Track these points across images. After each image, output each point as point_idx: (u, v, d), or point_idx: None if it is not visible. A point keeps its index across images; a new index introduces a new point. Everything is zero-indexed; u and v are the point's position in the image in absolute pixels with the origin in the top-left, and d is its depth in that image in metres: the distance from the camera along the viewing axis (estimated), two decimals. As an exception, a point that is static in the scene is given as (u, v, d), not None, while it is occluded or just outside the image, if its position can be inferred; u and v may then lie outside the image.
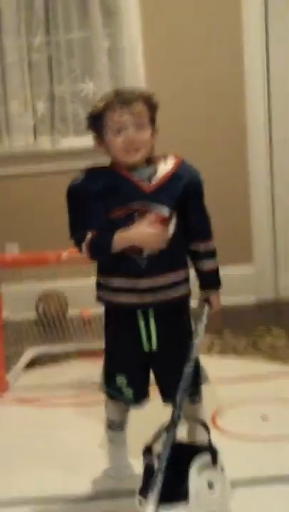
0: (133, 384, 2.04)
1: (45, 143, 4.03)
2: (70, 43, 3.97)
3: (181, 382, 1.89)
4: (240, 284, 3.95)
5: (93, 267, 2.07)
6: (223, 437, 2.35)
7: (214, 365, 3.04)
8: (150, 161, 2.00)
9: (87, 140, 4.00)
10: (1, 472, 2.30)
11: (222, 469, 1.87)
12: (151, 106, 1.97)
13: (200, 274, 2.07)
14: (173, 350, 1.99)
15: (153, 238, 1.92)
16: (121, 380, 2.04)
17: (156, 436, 1.89)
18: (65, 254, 2.94)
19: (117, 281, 1.97)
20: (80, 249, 1.95)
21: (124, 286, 1.96)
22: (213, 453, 1.86)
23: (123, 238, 1.91)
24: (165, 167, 1.98)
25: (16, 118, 4.00)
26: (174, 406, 1.86)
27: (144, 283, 1.95)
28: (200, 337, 1.98)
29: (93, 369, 3.14)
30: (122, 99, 1.93)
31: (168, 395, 2.00)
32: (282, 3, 3.88)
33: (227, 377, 2.85)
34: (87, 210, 1.94)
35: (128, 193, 1.94)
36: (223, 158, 3.98)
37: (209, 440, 1.91)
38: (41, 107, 4.00)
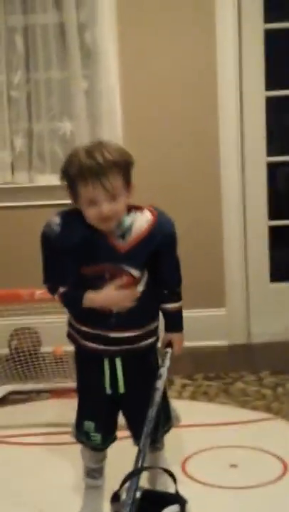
0: (101, 429, 2.06)
1: (22, 179, 4.06)
2: (49, 82, 4.00)
3: (145, 427, 1.90)
4: (212, 327, 3.99)
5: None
6: (192, 484, 2.37)
7: (185, 410, 3.05)
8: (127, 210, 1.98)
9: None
10: None
11: (189, 519, 1.89)
12: (126, 171, 1.91)
13: (165, 316, 2.12)
14: (140, 393, 2.02)
15: (122, 300, 1.96)
16: (88, 425, 2.06)
17: (124, 483, 1.91)
18: (38, 293, 2.96)
19: (86, 329, 2.01)
20: (53, 296, 2.00)
21: (92, 334, 2.00)
22: (182, 503, 1.88)
23: (93, 300, 1.95)
24: (140, 224, 1.97)
25: (-7, 154, 4.03)
26: (138, 451, 1.88)
27: (112, 335, 1.99)
28: (163, 380, 2.01)
29: (65, 408, 3.15)
30: (94, 171, 1.84)
31: (137, 437, 2.02)
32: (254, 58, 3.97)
33: (198, 422, 2.87)
34: (60, 264, 1.95)
35: (102, 253, 1.94)
36: (198, 203, 4.03)
37: (176, 490, 1.93)
38: (19, 143, 4.04)
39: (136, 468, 1.86)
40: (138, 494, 1.87)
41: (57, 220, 1.93)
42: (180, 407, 3.04)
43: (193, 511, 1.91)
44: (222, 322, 4.05)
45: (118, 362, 2.01)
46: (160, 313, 2.13)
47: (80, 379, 2.10)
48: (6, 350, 3.68)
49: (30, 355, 3.55)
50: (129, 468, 1.84)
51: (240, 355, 3.93)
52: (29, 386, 3.42)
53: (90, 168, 1.85)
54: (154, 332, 2.08)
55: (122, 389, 2.02)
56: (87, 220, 1.92)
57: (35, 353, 3.59)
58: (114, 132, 3.93)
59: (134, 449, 1.97)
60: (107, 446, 2.10)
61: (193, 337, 3.93)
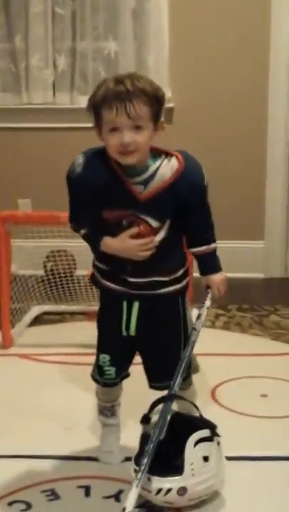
0: (116, 363, 2.06)
1: (63, 99, 3.99)
2: (95, 0, 3.90)
3: (178, 366, 1.91)
4: (249, 260, 3.96)
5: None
6: (221, 411, 2.39)
7: (217, 339, 3.09)
8: (155, 151, 1.87)
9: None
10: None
11: (218, 443, 1.90)
12: (155, 102, 1.79)
13: (198, 259, 2.03)
14: (154, 338, 2.00)
15: (138, 250, 1.89)
16: (104, 358, 2.06)
17: (154, 406, 1.93)
18: (77, 216, 2.93)
19: (106, 268, 1.98)
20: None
21: (112, 275, 1.97)
22: (212, 428, 1.89)
23: (108, 246, 1.91)
24: (165, 172, 1.85)
25: (35, 72, 3.96)
26: (170, 380, 1.90)
27: (130, 279, 1.94)
28: (201, 320, 1.99)
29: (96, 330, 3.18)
30: (119, 95, 1.74)
31: (151, 379, 2.05)
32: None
33: (229, 351, 2.86)
34: (82, 205, 1.92)
35: (120, 199, 1.86)
36: (242, 134, 3.94)
37: (201, 415, 1.95)
38: (62, 62, 3.96)
39: (167, 394, 1.89)
40: (168, 417, 1.90)
41: (80, 160, 1.86)
42: (213, 336, 3.08)
43: (223, 437, 1.93)
44: (259, 255, 4.01)
45: (135, 305, 1.97)
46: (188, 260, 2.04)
47: (100, 315, 2.08)
48: (41, 272, 3.69)
49: (65, 277, 3.56)
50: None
51: (275, 288, 3.91)
52: (63, 307, 3.46)
53: (115, 92, 1.75)
54: (177, 280, 1.97)
55: (132, 331, 2.00)
56: (108, 151, 1.82)
57: (70, 276, 3.61)
58: (160, 54, 3.83)
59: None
60: (119, 381, 2.10)
61: (229, 268, 3.85)
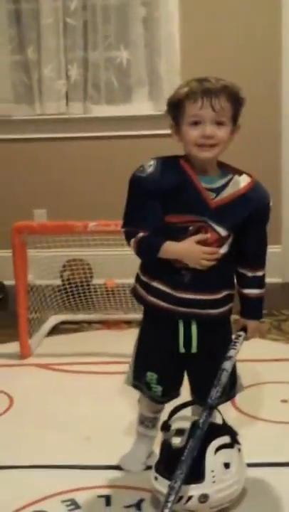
0: (163, 382, 2.00)
1: (76, 109, 4.00)
2: (106, 9, 3.91)
3: (207, 408, 1.84)
4: (267, 265, 3.91)
5: (119, 239, 2.06)
6: (241, 418, 2.37)
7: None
8: (224, 167, 1.90)
9: (119, 109, 4.03)
10: (16, 436, 2.35)
11: (239, 450, 1.89)
12: (236, 102, 1.85)
13: (242, 300, 1.99)
14: (210, 356, 1.94)
15: (201, 258, 1.84)
16: (151, 376, 2.00)
17: (173, 413, 1.92)
18: (92, 225, 2.94)
19: (157, 286, 1.91)
20: (128, 243, 1.91)
21: (164, 292, 1.90)
22: (232, 434, 1.87)
23: (171, 250, 1.85)
24: (237, 184, 1.88)
25: (48, 83, 3.97)
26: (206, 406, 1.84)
27: (184, 296, 1.89)
28: (232, 362, 1.93)
29: (115, 339, 3.19)
30: (205, 89, 1.79)
31: (196, 394, 2.00)
32: None
33: (249, 357, 2.83)
34: (146, 207, 1.86)
35: (190, 203, 1.84)
36: (255, 138, 3.91)
37: (224, 421, 1.92)
38: (74, 72, 3.97)
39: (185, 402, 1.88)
40: (188, 424, 1.88)
41: (151, 162, 1.86)
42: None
43: (243, 444, 1.91)
44: (277, 259, 3.98)
45: (193, 325, 1.92)
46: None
47: (145, 331, 2.01)
48: (58, 281, 3.70)
49: (82, 286, 3.56)
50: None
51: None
52: (80, 316, 3.46)
53: (200, 87, 1.80)
54: (229, 300, 1.94)
55: (194, 349, 1.94)
56: (186, 144, 1.84)
57: (87, 285, 3.61)
58: (172, 61, 3.84)
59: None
60: (167, 401, 2.04)
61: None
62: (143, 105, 3.88)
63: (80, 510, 1.92)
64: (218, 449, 1.83)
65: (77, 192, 4.06)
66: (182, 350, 1.95)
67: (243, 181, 1.89)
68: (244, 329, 2.01)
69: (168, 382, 2.01)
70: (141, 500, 1.93)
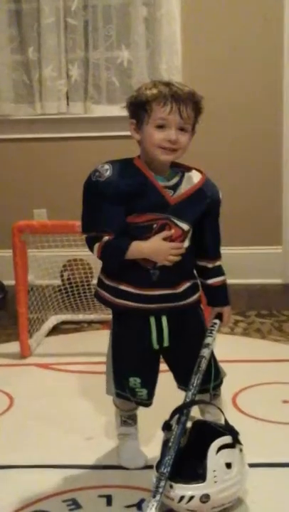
0: (147, 384, 2.02)
1: (77, 109, 4.00)
2: (107, 9, 3.91)
3: (190, 393, 1.89)
4: (267, 265, 3.93)
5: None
6: (242, 418, 2.36)
7: (237, 345, 3.06)
8: (174, 165, 1.94)
9: (120, 109, 4.00)
10: (16, 436, 2.34)
11: (241, 450, 1.88)
12: (198, 111, 1.89)
13: (209, 290, 2.05)
14: (185, 346, 1.99)
15: (169, 254, 1.89)
16: (134, 381, 2.01)
17: (175, 413, 1.91)
18: (92, 224, 2.93)
19: (125, 288, 1.93)
20: (91, 249, 1.91)
21: (132, 293, 1.93)
22: (234, 434, 1.87)
23: (138, 250, 1.87)
24: (190, 180, 1.93)
25: (49, 83, 3.97)
26: (189, 389, 1.90)
27: (154, 293, 1.93)
28: (209, 349, 1.97)
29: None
30: (174, 95, 1.82)
31: (180, 382, 2.03)
32: None
33: (250, 358, 2.84)
34: (107, 211, 1.86)
35: (152, 202, 1.87)
36: (256, 139, 3.94)
37: (226, 421, 1.92)
38: (75, 72, 3.97)
39: (185, 402, 1.87)
40: (189, 424, 1.88)
41: (107, 166, 1.87)
42: (232, 342, 3.06)
43: (244, 444, 1.90)
44: (278, 260, 3.98)
45: (164, 319, 1.96)
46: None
47: (118, 337, 2.02)
48: (58, 281, 3.69)
49: (82, 286, 3.56)
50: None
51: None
52: (80, 316, 3.45)
53: (171, 92, 1.83)
54: (195, 289, 2.00)
55: (166, 342, 1.97)
56: (148, 144, 1.86)
57: (88, 285, 3.60)
58: (173, 62, 3.84)
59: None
60: (151, 402, 2.05)
61: (247, 274, 3.91)
62: (144, 106, 3.88)
63: (81, 510, 1.91)
64: (219, 449, 1.82)
65: (78, 192, 4.01)
66: (156, 346, 1.98)
67: (195, 176, 1.95)
68: (218, 317, 2.06)
69: (151, 383, 2.03)
70: (142, 500, 1.92)
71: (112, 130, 3.93)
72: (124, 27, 3.90)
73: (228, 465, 1.83)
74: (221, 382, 2.09)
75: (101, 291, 2.00)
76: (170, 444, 1.81)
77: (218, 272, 2.04)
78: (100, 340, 3.18)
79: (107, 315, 3.39)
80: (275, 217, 3.99)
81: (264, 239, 3.96)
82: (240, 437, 1.89)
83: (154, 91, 1.84)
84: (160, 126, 1.84)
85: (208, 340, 1.98)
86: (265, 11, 3.83)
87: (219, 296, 2.06)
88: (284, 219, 4.00)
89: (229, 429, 1.88)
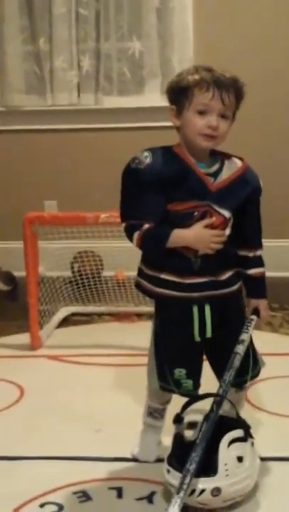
0: (192, 375, 1.99)
1: (88, 100, 3.98)
2: (119, 0, 3.89)
3: (221, 389, 1.87)
4: (279, 258, 3.89)
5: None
6: (253, 411, 2.35)
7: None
8: (214, 153, 1.91)
9: (131, 100, 4.00)
10: (27, 427, 2.34)
11: (252, 444, 1.87)
12: (240, 97, 1.87)
13: (247, 280, 2.01)
14: (227, 338, 1.96)
15: (211, 241, 1.86)
16: (180, 372, 1.98)
17: (186, 406, 1.90)
18: (103, 216, 2.93)
19: (166, 277, 1.90)
20: (130, 237, 1.87)
21: (174, 281, 1.90)
22: (245, 428, 1.86)
23: (180, 237, 1.85)
24: (231, 167, 1.91)
25: (60, 74, 3.95)
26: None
27: (196, 280, 1.89)
28: (244, 346, 1.95)
29: (126, 331, 3.17)
30: (217, 81, 1.80)
31: (221, 375, 1.97)
32: None
33: (261, 351, 2.81)
34: (148, 199, 1.83)
35: (193, 189, 1.85)
36: (269, 131, 3.91)
37: (238, 415, 1.91)
38: (86, 63, 3.95)
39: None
40: (200, 417, 1.87)
41: (146, 153, 1.85)
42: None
43: (256, 438, 1.89)
44: (286, 253, 3.96)
45: (207, 309, 1.92)
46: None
47: (161, 328, 1.98)
48: (69, 273, 3.69)
49: (92, 278, 3.55)
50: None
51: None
52: (90, 308, 3.44)
53: (213, 78, 1.81)
54: (237, 278, 1.97)
55: (209, 333, 1.94)
56: (189, 131, 1.84)
57: (98, 277, 3.59)
58: (185, 53, 3.81)
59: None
60: (196, 393, 2.00)
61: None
62: (155, 97, 3.84)
63: (91, 502, 1.90)
64: (231, 443, 1.81)
65: (88, 184, 4.05)
66: (197, 338, 1.95)
67: (236, 164, 1.92)
68: (255, 312, 2.04)
69: (196, 373, 2.00)
70: (153, 493, 1.92)
71: (123, 121, 3.92)
72: (136, 17, 3.88)
73: (240, 458, 1.82)
74: (258, 373, 2.07)
75: (142, 281, 1.97)
76: (198, 440, 1.78)
77: (259, 262, 2.01)
78: (110, 333, 3.21)
79: (117, 307, 3.42)
80: (284, 212, 3.96)
81: (276, 232, 3.93)
82: (252, 431, 1.88)
83: (196, 76, 1.81)
84: (201, 112, 1.82)
85: (243, 336, 1.96)
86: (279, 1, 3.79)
87: (258, 287, 2.03)
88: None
89: (241, 423, 1.88)
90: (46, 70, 3.96)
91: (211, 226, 1.87)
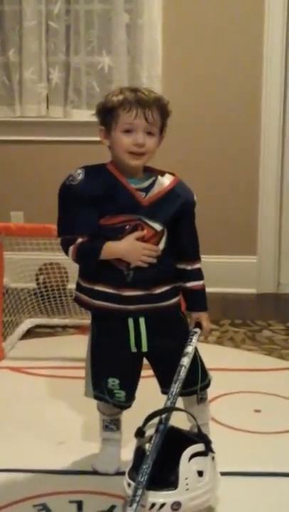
0: (125, 386, 2.03)
1: (57, 113, 4.00)
2: (89, 14, 3.92)
3: (168, 401, 1.89)
4: (242, 275, 3.95)
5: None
6: (214, 426, 2.36)
7: (211, 354, 3.04)
8: (148, 170, 1.99)
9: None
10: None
11: (213, 458, 1.89)
12: (165, 114, 1.95)
13: (187, 294, 2.06)
14: (167, 350, 1.99)
15: (142, 254, 1.91)
16: (113, 382, 2.01)
17: (148, 420, 1.91)
18: (70, 229, 2.93)
19: (101, 289, 1.96)
20: (66, 252, 1.95)
21: (109, 293, 1.95)
22: (206, 442, 1.87)
23: (112, 249, 1.91)
24: (163, 182, 1.97)
25: (29, 85, 3.96)
26: (169, 396, 1.90)
27: (130, 293, 1.94)
28: (189, 358, 1.97)
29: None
30: (140, 101, 1.88)
31: (164, 385, 2.02)
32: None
33: (223, 366, 2.85)
34: (81, 214, 1.92)
35: (124, 203, 1.92)
36: (234, 149, 3.96)
37: (199, 429, 1.93)
38: (56, 76, 3.97)
39: (162, 408, 1.87)
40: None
41: (79, 171, 1.94)
42: (206, 351, 3.00)
43: (217, 452, 1.91)
44: (252, 270, 4.01)
45: (142, 321, 1.97)
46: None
47: (98, 337, 2.02)
48: (33, 285, 3.68)
49: (58, 290, 3.55)
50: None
51: (268, 304, 3.91)
52: (55, 321, 3.44)
53: (136, 98, 1.89)
54: (173, 293, 2.01)
55: (144, 347, 1.99)
56: (117, 150, 1.92)
57: (63, 289, 3.59)
58: (153, 69, 3.86)
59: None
60: (129, 405, 2.05)
61: (222, 283, 3.92)
62: (124, 112, 3.88)
63: (51, 516, 1.90)
64: (192, 457, 1.82)
65: (55, 196, 4.03)
66: (134, 349, 1.99)
67: (167, 179, 1.99)
68: (198, 325, 2.07)
69: (130, 384, 2.03)
70: (113, 507, 1.92)
71: (91, 135, 3.88)
72: (106, 33, 3.90)
73: (200, 473, 1.83)
74: (208, 384, 2.10)
75: (79, 294, 2.03)
76: (148, 452, 1.80)
77: (198, 275, 2.06)
78: (74, 345, 3.19)
79: (82, 320, 3.42)
80: (251, 227, 4.02)
81: (239, 248, 3.99)
82: (213, 445, 1.90)
83: (120, 97, 1.90)
84: (127, 131, 1.90)
85: (188, 349, 1.98)
86: (246, 21, 3.85)
87: (198, 301, 2.07)
88: (259, 229, 4.04)
89: (202, 437, 1.89)
90: (15, 81, 3.97)
91: (143, 239, 1.93)
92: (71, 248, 1.93)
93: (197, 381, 2.04)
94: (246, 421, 2.43)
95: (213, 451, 1.89)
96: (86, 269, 2.00)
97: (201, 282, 2.07)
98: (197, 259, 2.06)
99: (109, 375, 2.01)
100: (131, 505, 1.72)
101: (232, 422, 2.42)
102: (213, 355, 3.04)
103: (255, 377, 2.84)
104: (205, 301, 2.09)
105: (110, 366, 2.02)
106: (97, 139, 1.99)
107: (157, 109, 1.91)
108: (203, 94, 3.90)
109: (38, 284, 3.68)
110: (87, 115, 3.96)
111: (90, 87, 3.99)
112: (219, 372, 2.77)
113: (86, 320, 3.38)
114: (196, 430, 1.94)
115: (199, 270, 2.06)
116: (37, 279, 3.71)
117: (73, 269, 3.64)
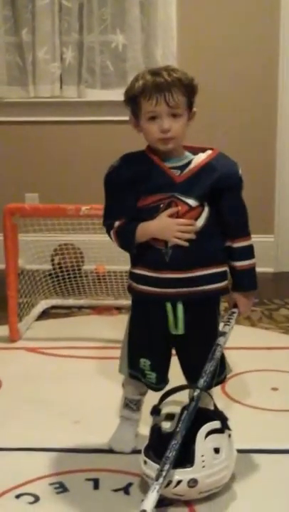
0: (156, 368, 2.01)
1: (71, 93, 3.97)
2: (102, -8, 3.88)
3: (202, 379, 1.87)
4: (259, 254, 3.87)
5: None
6: (231, 405, 2.36)
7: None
8: (189, 149, 1.95)
9: (114, 93, 3.99)
10: (4, 419, 2.33)
11: (229, 436, 1.88)
12: (190, 92, 1.89)
13: (231, 273, 1.98)
14: (198, 338, 1.97)
15: (176, 230, 1.87)
16: (144, 363, 2.01)
17: (164, 398, 1.91)
18: (84, 208, 2.92)
19: (141, 272, 1.95)
20: (110, 237, 1.96)
21: (148, 276, 1.93)
22: (223, 420, 1.86)
23: (145, 229, 1.89)
24: (199, 157, 1.92)
25: (42, 65, 3.93)
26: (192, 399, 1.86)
27: (168, 276, 1.91)
28: (226, 338, 1.95)
29: (105, 324, 3.17)
30: (158, 86, 1.84)
31: (190, 378, 1.99)
32: None
33: (239, 345, 2.83)
34: (117, 198, 1.93)
35: (157, 182, 1.90)
36: (251, 128, 3.92)
37: (215, 407, 1.92)
38: (69, 55, 3.93)
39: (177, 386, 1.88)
40: (178, 409, 1.87)
41: (118, 159, 1.95)
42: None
43: (233, 430, 1.90)
44: (269, 249, 3.98)
45: (179, 307, 1.93)
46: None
47: (134, 321, 2.03)
48: (49, 266, 3.67)
49: (73, 271, 3.54)
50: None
51: (285, 282, 3.88)
52: (70, 301, 3.43)
53: (154, 83, 1.85)
54: (219, 277, 1.94)
55: (180, 330, 1.95)
56: (148, 138, 1.91)
57: (78, 270, 3.59)
58: (168, 47, 3.81)
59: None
60: (160, 388, 2.02)
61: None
62: (138, 90, 3.85)
63: (67, 493, 1.90)
64: (208, 434, 1.82)
65: (70, 176, 4.03)
66: (174, 331, 1.96)
67: (205, 155, 1.94)
68: (236, 306, 2.02)
69: (160, 367, 2.02)
70: (129, 484, 1.92)
71: (105, 114, 3.90)
72: (119, 11, 3.86)
73: (217, 450, 1.83)
74: (224, 379, 2.07)
75: (129, 280, 2.02)
76: (178, 429, 1.79)
77: (241, 254, 1.97)
78: (90, 326, 3.20)
79: (97, 300, 3.41)
80: (268, 206, 3.98)
81: (256, 227, 3.91)
82: (229, 423, 1.89)
83: (140, 83, 1.87)
84: (152, 118, 1.87)
85: (225, 328, 1.96)
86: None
87: (239, 281, 1.98)
88: (276, 208, 4.00)
89: (218, 415, 1.88)
90: (28, 62, 3.94)
91: (178, 216, 1.89)
92: (112, 233, 1.94)
93: (214, 376, 1.95)
94: (263, 399, 2.42)
95: (229, 429, 1.88)
96: (131, 254, 1.99)
97: (246, 262, 1.97)
98: (242, 236, 1.97)
99: (142, 356, 2.01)
100: (158, 480, 1.71)
101: (249, 400, 2.41)
102: (230, 333, 3.04)
103: (272, 355, 2.83)
104: (246, 282, 1.99)
105: (143, 347, 2.01)
106: (112, 118, 1.98)
107: (178, 89, 1.85)
108: (219, 71, 3.85)
109: (53, 265, 3.68)
110: (101, 94, 3.95)
111: (103, 66, 3.95)
112: (236, 350, 2.77)
113: (101, 300, 3.40)
114: (212, 407, 1.93)
115: (245, 248, 1.97)
116: (52, 261, 3.70)
117: (88, 249, 3.69)
